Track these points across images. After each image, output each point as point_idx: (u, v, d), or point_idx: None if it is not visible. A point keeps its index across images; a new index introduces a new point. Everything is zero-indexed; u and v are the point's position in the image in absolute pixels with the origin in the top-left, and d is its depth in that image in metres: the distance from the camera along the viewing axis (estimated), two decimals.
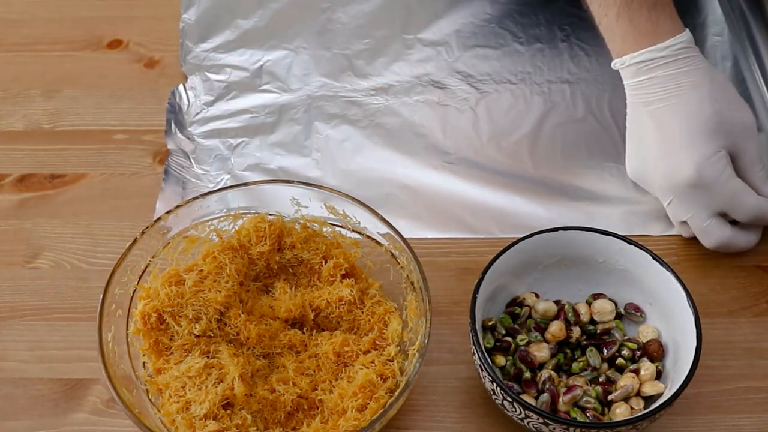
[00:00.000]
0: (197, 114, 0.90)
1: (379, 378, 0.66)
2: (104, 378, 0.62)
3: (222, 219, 0.72)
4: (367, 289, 0.71)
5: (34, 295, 0.77)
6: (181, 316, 0.67)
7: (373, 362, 0.67)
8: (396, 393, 0.63)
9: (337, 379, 0.67)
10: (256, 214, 0.72)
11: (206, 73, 0.94)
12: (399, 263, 0.70)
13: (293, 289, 0.71)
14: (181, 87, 0.93)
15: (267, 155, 0.87)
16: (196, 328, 0.66)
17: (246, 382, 0.65)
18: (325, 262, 0.71)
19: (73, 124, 0.90)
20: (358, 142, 0.88)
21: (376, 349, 0.68)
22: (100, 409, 0.70)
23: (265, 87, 0.93)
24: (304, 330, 0.71)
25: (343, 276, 0.71)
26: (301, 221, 0.73)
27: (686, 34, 0.74)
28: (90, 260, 0.79)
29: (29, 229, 0.81)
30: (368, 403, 0.64)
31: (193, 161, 0.86)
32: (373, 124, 0.89)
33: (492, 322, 0.69)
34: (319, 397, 0.66)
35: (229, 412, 0.64)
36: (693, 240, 0.79)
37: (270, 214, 0.72)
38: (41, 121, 0.91)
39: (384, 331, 0.69)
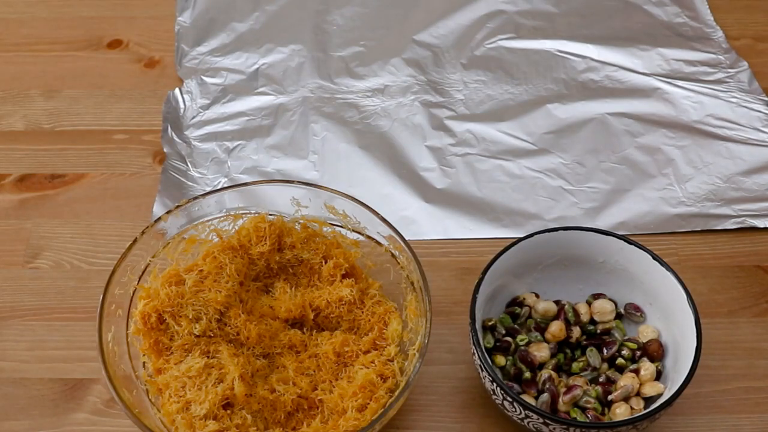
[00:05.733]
0: (193, 117, 0.90)
1: (379, 378, 0.66)
2: (104, 378, 0.62)
3: (222, 219, 0.72)
4: (367, 289, 0.71)
5: (34, 295, 0.77)
6: (181, 316, 0.67)
7: (373, 362, 0.67)
8: (396, 393, 0.63)
9: (337, 379, 0.67)
10: (257, 214, 0.72)
11: (202, 76, 0.94)
12: (399, 263, 0.70)
13: (293, 289, 0.71)
14: (177, 91, 0.93)
15: (264, 158, 0.87)
16: (196, 328, 0.66)
17: (246, 382, 0.65)
18: (325, 262, 0.71)
19: (73, 124, 0.90)
20: (354, 143, 0.88)
21: (376, 349, 0.68)
22: (100, 409, 0.70)
23: (261, 90, 0.93)
24: (304, 330, 0.71)
25: (343, 276, 0.71)
26: (301, 221, 0.73)
27: None
28: (90, 260, 0.79)
29: (29, 229, 0.81)
30: (368, 403, 0.64)
31: (189, 165, 0.86)
32: (370, 125, 0.89)
33: (492, 322, 0.69)
34: (319, 397, 0.66)
35: (229, 412, 0.64)
36: (693, 240, 0.79)
37: (270, 214, 0.72)
38: (41, 121, 0.91)
39: (384, 331, 0.69)
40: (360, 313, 0.70)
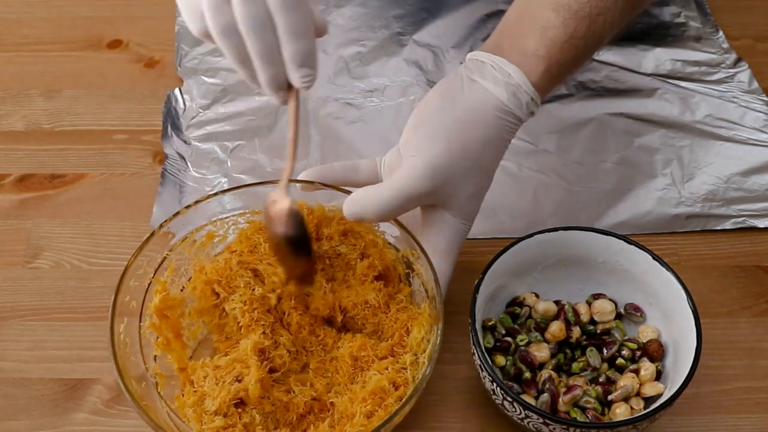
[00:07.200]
0: (193, 117, 0.90)
1: (391, 385, 0.65)
2: (114, 371, 0.61)
3: (240, 215, 0.72)
4: (396, 294, 0.70)
5: (34, 295, 0.77)
6: (239, 286, 0.67)
7: (387, 369, 0.66)
8: (403, 401, 0.62)
9: (352, 383, 0.66)
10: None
11: (202, 76, 0.94)
12: (415, 270, 0.70)
13: (329, 283, 0.70)
14: (177, 91, 0.93)
15: (264, 158, 0.86)
16: (257, 292, 0.67)
17: (263, 385, 0.64)
18: (362, 260, 0.70)
19: (73, 124, 0.90)
20: (354, 144, 0.88)
21: (393, 356, 0.67)
22: (100, 409, 0.70)
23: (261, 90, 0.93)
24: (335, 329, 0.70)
25: (376, 278, 0.70)
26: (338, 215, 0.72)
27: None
28: (90, 260, 0.79)
29: (29, 229, 0.81)
30: (377, 410, 0.63)
31: (189, 165, 0.86)
32: (370, 126, 0.89)
33: (492, 322, 0.69)
34: (331, 400, 0.66)
35: (240, 410, 0.64)
36: (693, 240, 0.79)
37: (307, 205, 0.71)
38: (41, 121, 0.91)
39: (405, 338, 0.68)
40: (384, 317, 0.69)
